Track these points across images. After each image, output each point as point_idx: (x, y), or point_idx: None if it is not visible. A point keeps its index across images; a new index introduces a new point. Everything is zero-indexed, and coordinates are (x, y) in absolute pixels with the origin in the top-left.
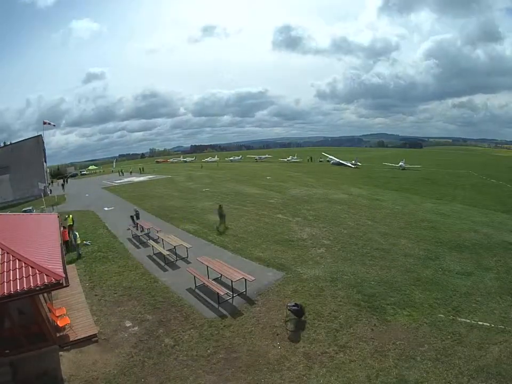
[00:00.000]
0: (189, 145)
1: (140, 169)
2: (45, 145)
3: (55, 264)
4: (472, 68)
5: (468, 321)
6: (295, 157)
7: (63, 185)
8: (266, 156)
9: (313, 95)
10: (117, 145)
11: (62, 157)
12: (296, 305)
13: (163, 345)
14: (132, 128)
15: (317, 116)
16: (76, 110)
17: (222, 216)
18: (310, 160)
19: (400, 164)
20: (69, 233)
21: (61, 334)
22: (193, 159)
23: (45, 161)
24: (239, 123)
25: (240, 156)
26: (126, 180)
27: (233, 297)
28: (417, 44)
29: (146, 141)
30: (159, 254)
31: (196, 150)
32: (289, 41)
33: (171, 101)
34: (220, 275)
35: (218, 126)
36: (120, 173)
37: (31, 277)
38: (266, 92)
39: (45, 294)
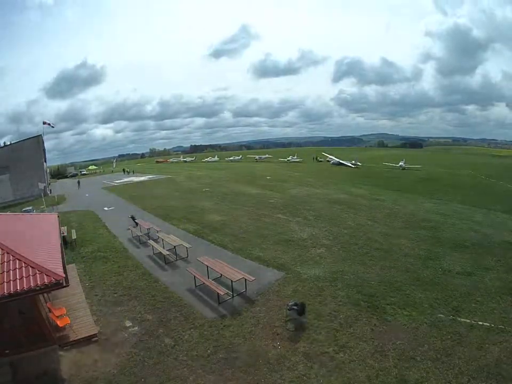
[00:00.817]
0: (189, 145)
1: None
2: (42, 143)
3: (55, 264)
4: (466, 88)
5: (468, 321)
6: (295, 157)
7: (78, 182)
8: (266, 155)
9: (337, 101)
10: (136, 143)
11: (89, 151)
12: (296, 304)
13: (163, 345)
14: (162, 126)
15: (335, 118)
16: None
17: None
18: (315, 159)
19: (400, 163)
20: None
21: (61, 334)
22: (193, 159)
23: (45, 161)
24: (257, 123)
25: (240, 156)
26: (126, 179)
27: (233, 297)
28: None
29: (164, 139)
30: (159, 254)
31: (196, 150)
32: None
33: (227, 103)
34: (220, 275)
35: (240, 126)
36: (125, 172)
37: (31, 277)
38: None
39: (45, 294)
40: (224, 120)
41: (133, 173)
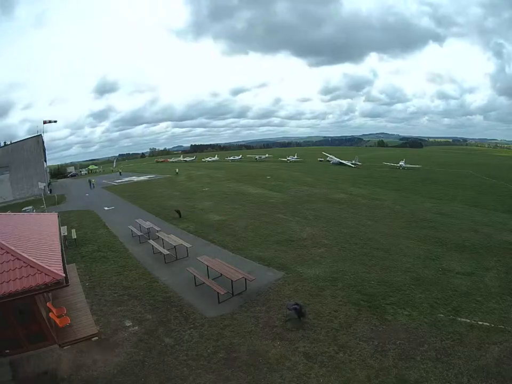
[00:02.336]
0: (189, 145)
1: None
2: (42, 143)
3: (55, 264)
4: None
5: (468, 321)
6: (295, 157)
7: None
8: (267, 155)
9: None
10: (170, 139)
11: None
12: (296, 304)
13: (163, 344)
14: (199, 123)
15: (352, 120)
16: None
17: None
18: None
19: (400, 163)
20: None
21: (61, 333)
22: (193, 158)
23: (45, 161)
24: (285, 123)
25: (240, 156)
26: (125, 179)
27: (233, 296)
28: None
29: (198, 136)
30: (159, 254)
31: (196, 149)
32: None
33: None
34: (219, 274)
35: (268, 126)
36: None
37: (31, 276)
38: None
39: (45, 294)
40: (266, 120)
41: (120, 174)
